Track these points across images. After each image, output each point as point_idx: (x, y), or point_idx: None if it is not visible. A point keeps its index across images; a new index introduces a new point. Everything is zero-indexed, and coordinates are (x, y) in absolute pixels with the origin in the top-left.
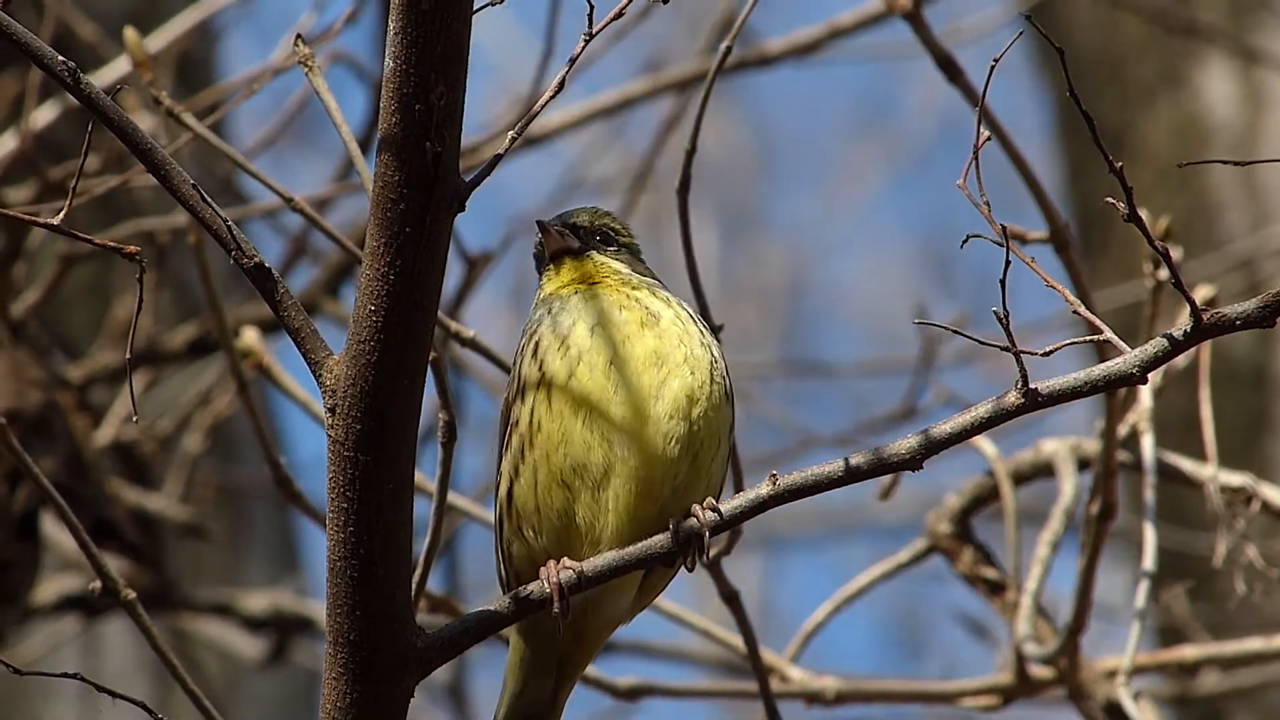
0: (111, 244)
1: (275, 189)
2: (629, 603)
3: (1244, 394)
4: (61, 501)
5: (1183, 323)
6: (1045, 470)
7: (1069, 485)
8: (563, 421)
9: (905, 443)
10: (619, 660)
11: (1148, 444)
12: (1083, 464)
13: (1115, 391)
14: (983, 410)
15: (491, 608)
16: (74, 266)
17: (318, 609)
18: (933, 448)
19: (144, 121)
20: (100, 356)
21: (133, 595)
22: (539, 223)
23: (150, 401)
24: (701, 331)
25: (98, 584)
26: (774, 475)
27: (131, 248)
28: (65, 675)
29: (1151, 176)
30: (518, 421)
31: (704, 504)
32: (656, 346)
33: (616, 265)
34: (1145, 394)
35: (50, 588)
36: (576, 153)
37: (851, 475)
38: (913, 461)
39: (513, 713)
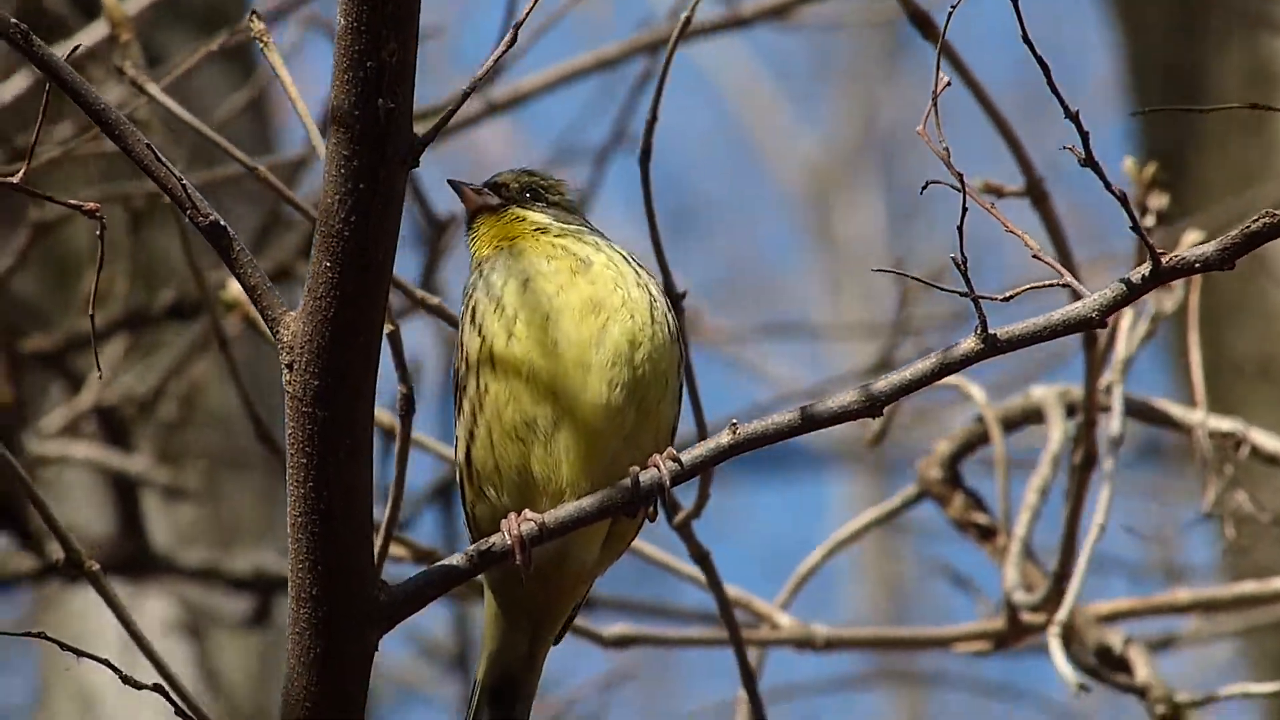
0: (72, 202)
1: (239, 158)
2: (596, 554)
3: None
4: (28, 478)
5: (1142, 267)
6: (1035, 416)
7: (1057, 431)
8: (508, 382)
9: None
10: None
11: (1118, 395)
12: (1071, 410)
13: (1095, 341)
14: (942, 355)
15: (454, 562)
16: (45, 235)
17: None
18: (892, 395)
19: (113, 91)
20: (77, 323)
21: (97, 567)
22: (451, 182)
23: (136, 367)
24: (637, 271)
25: (62, 555)
26: (734, 424)
27: (91, 204)
28: (30, 635)
29: (1223, 118)
30: (466, 387)
31: (664, 454)
32: (591, 293)
33: (536, 217)
34: (1121, 342)
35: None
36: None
37: (809, 423)
38: (872, 409)
39: (491, 672)
